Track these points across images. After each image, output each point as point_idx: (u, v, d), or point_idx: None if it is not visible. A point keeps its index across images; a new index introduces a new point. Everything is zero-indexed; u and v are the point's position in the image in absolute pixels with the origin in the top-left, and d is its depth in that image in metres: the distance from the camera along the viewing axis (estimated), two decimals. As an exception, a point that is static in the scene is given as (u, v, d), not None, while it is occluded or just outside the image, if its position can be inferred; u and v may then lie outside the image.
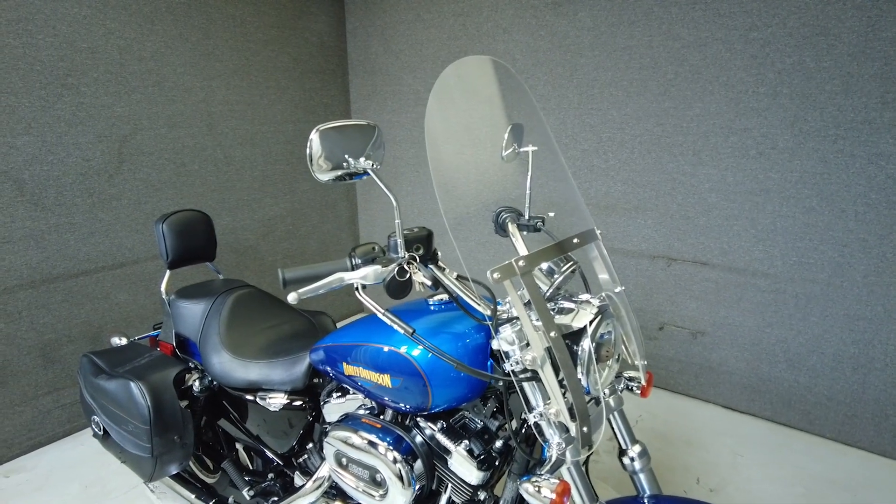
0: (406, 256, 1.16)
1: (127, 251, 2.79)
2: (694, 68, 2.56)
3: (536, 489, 1.03)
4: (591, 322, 1.12)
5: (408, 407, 1.29)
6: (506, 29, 3.05)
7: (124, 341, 2.03)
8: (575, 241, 1.21)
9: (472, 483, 1.28)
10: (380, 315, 1.15)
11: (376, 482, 1.33)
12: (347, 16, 3.66)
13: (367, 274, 1.12)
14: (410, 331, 1.12)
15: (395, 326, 1.13)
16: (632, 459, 1.27)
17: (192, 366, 1.87)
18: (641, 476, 1.27)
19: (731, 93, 2.50)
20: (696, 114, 2.60)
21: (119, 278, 2.78)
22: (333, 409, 1.55)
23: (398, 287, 1.12)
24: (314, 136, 1.15)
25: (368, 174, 1.21)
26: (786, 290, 2.53)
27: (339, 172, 1.21)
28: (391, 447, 1.30)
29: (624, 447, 1.28)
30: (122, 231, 2.76)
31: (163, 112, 2.84)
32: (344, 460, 1.39)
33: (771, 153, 2.45)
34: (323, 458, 1.67)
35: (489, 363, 1.25)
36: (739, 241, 2.61)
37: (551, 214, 1.27)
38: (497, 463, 1.30)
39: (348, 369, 1.36)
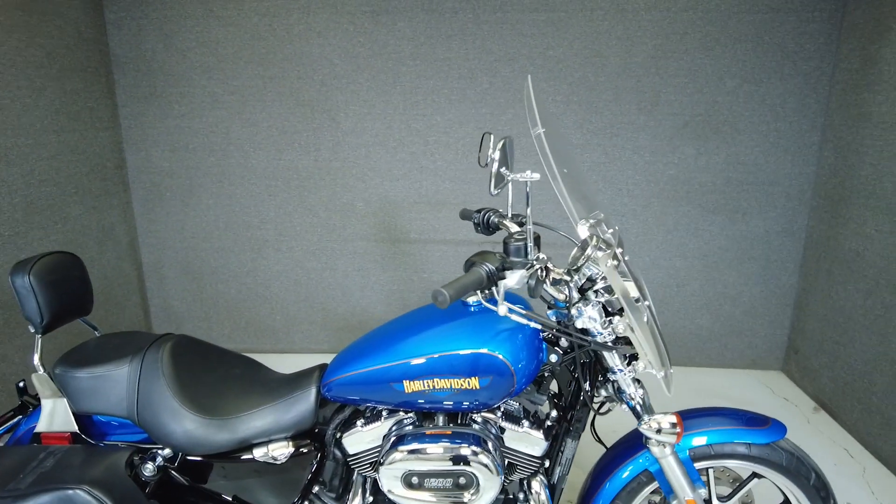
0: (544, 258, 1.23)
1: None
2: (505, 79, 3.02)
3: (658, 426, 1.26)
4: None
5: (479, 403, 1.36)
6: (320, 33, 3.02)
7: None
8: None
9: (537, 455, 1.44)
10: (523, 320, 1.21)
11: (461, 486, 1.36)
12: (106, 3, 3.04)
13: (517, 279, 1.16)
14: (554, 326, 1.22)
15: (538, 325, 1.21)
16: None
17: (132, 446, 1.48)
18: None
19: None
20: (509, 118, 3.07)
21: None
22: (362, 437, 1.47)
23: (537, 287, 1.19)
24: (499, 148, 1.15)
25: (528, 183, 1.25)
26: (586, 255, 3.23)
27: (503, 184, 1.24)
28: (468, 445, 1.35)
29: None
30: None
31: None
32: (415, 480, 1.36)
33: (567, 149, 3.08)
34: (340, 494, 1.55)
35: (544, 346, 1.41)
36: (551, 223, 3.20)
37: (565, 171, 1.36)
38: (554, 431, 1.47)
39: (411, 386, 1.34)
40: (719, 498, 1.56)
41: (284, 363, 1.72)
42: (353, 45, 3.03)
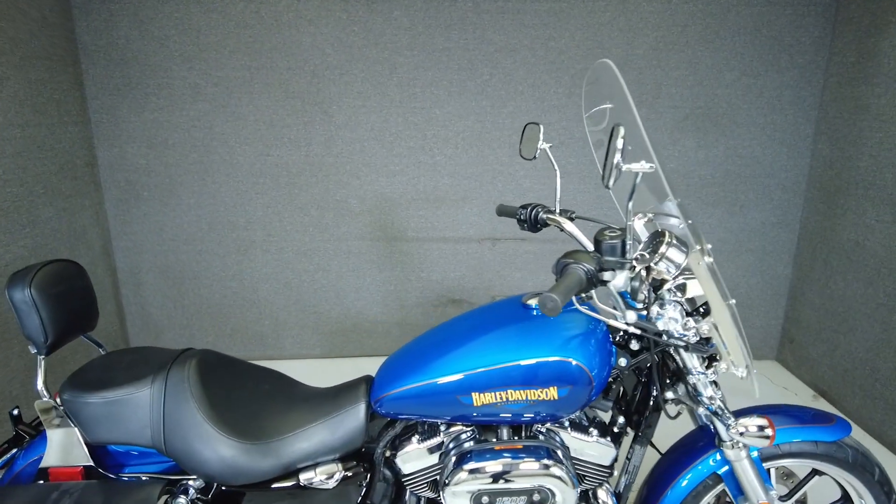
0: (646, 256, 1.14)
1: None
2: (506, 71, 2.93)
3: (746, 429, 1.20)
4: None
5: (554, 414, 1.26)
6: (311, 21, 2.85)
7: None
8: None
9: (606, 464, 1.36)
10: (618, 324, 1.12)
11: (536, 503, 1.26)
12: (72, -15, 2.77)
13: (623, 280, 1.07)
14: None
15: (637, 330, 1.12)
16: None
17: (160, 478, 1.32)
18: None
19: (537, 92, 2.96)
20: (510, 111, 2.98)
21: None
22: (419, 454, 1.35)
23: (640, 288, 1.10)
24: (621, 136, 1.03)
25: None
26: (587, 250, 3.18)
27: (618, 176, 1.11)
28: (540, 459, 1.26)
29: None
30: None
31: None
32: (485, 499, 1.26)
33: (569, 142, 3.02)
34: None
35: (613, 349, 1.33)
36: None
37: (648, 167, 1.14)
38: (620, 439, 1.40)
39: (481, 399, 1.24)
40: (779, 497, 1.52)
41: (276, 370, 1.58)
42: (346, 33, 2.87)
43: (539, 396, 1.22)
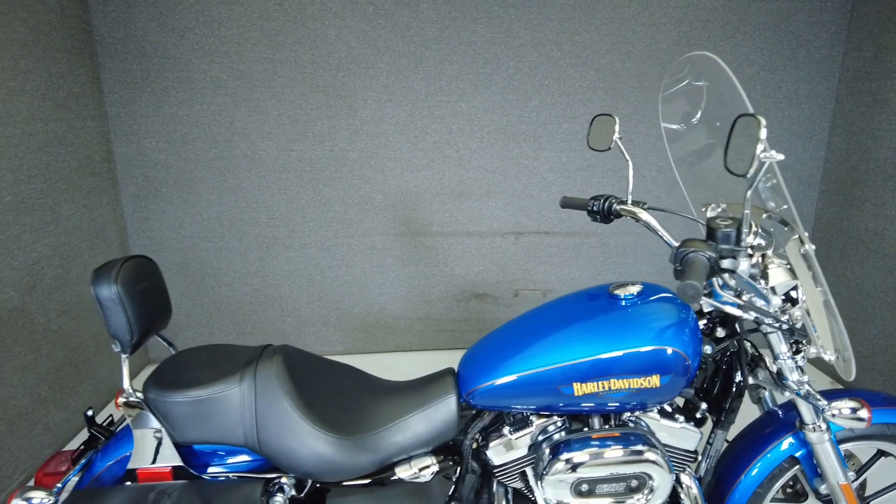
0: (763, 244, 1.15)
1: None
2: (531, 64, 2.93)
3: (846, 410, 1.23)
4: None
5: (651, 402, 1.28)
6: (337, 13, 2.81)
7: (47, 500, 1.22)
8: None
9: (691, 449, 1.38)
10: (734, 310, 1.12)
11: (633, 489, 1.28)
12: (89, -26, 2.69)
13: (747, 267, 1.08)
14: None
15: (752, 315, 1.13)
16: None
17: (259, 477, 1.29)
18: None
19: (562, 86, 2.97)
20: (536, 105, 2.99)
21: None
22: (511, 445, 1.35)
23: (755, 277, 1.11)
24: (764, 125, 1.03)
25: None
26: (609, 243, 3.22)
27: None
28: (636, 445, 1.27)
29: None
30: None
31: None
32: (585, 487, 1.27)
33: (593, 136, 3.05)
34: None
35: (701, 338, 1.35)
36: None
37: (781, 157, 1.09)
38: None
39: (582, 388, 1.24)
40: (845, 479, 1.56)
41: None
42: (372, 26, 2.84)
43: (642, 385, 1.23)
